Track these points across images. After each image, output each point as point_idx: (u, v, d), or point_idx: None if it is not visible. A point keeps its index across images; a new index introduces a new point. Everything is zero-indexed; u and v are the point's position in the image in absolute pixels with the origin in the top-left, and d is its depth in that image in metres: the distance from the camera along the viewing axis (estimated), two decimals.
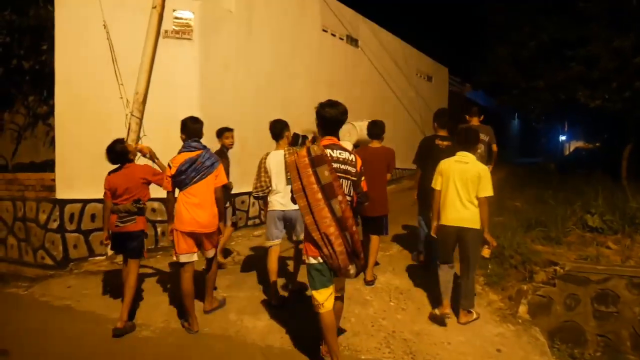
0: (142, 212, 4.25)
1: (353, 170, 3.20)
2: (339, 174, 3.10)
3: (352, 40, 10.55)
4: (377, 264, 5.21)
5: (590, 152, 23.10)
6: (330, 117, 3.22)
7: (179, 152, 4.02)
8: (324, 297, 3.10)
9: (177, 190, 4.04)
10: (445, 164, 4.16)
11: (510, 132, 28.79)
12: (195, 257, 4.02)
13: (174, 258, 4.03)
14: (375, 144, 5.01)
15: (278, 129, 4.54)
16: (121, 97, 6.16)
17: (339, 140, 3.32)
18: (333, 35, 9.81)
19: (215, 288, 4.51)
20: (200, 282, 4.28)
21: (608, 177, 11.35)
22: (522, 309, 4.20)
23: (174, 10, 6.52)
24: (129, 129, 6.08)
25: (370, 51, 11.09)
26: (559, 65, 11.66)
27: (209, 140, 4.64)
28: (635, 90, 10.23)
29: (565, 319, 4.24)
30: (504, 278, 4.64)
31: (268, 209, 4.54)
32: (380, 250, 5.54)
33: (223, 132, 5.56)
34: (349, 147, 4.50)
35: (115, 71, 6.13)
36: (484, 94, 24.16)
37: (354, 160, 3.23)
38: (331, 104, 3.25)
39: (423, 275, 4.99)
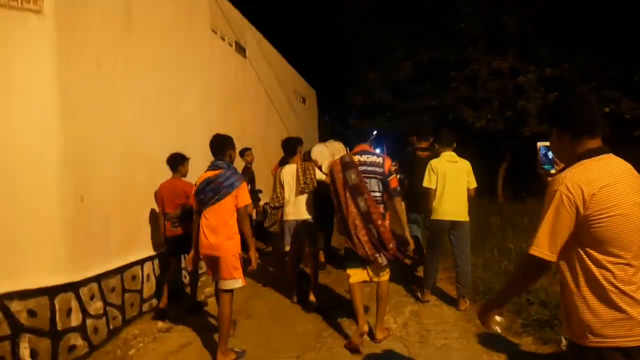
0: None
1: (380, 170, 3.70)
2: (366, 175, 3.67)
3: (241, 49, 8.62)
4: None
5: None
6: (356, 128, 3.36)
7: (206, 171, 3.86)
8: (353, 273, 3.76)
9: None
10: (438, 163, 4.56)
11: None
12: None
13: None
14: None
15: (292, 145, 5.01)
16: None
17: (369, 146, 3.91)
18: (222, 39, 7.73)
19: None
20: None
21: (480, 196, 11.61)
22: None
23: None
24: None
25: (257, 64, 9.30)
26: (441, 87, 11.63)
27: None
28: (517, 110, 10.60)
29: None
30: None
31: (283, 219, 4.91)
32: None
33: (244, 152, 6.71)
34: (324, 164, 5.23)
35: None
36: (329, 118, 24.36)
37: (381, 162, 3.72)
38: None
39: None
